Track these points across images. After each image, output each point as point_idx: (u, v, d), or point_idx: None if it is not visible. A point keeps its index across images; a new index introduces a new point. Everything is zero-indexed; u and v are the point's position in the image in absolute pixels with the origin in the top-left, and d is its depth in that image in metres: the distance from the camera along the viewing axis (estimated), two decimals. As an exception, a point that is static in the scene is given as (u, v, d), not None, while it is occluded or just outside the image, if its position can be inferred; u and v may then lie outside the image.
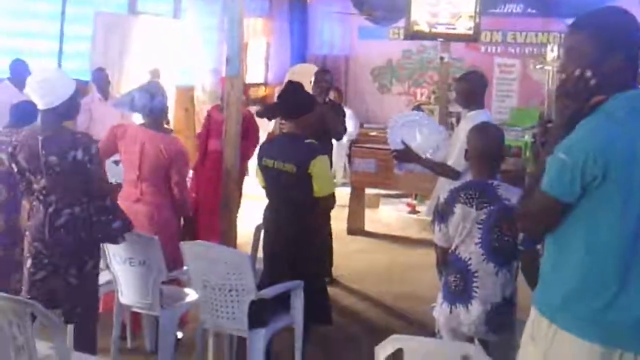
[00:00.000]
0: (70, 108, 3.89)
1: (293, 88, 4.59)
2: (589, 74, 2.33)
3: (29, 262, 3.90)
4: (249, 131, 6.17)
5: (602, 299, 2.29)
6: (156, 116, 4.73)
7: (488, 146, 3.70)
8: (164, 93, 4.81)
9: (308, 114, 4.44)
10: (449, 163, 4.97)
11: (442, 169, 5.04)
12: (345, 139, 10.54)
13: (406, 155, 5.17)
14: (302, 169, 4.25)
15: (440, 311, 3.65)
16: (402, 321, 5.69)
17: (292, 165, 4.28)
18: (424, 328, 4.91)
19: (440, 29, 9.02)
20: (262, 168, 4.49)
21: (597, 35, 2.36)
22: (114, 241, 4.10)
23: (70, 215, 3.81)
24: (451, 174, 4.91)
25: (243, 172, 6.42)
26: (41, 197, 3.83)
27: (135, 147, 4.65)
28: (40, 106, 3.82)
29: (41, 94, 3.79)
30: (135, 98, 4.68)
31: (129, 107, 4.76)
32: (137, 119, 5.07)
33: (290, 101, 4.49)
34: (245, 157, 6.00)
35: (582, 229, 2.32)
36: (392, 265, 7.05)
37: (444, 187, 4.80)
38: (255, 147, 5.09)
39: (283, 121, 4.96)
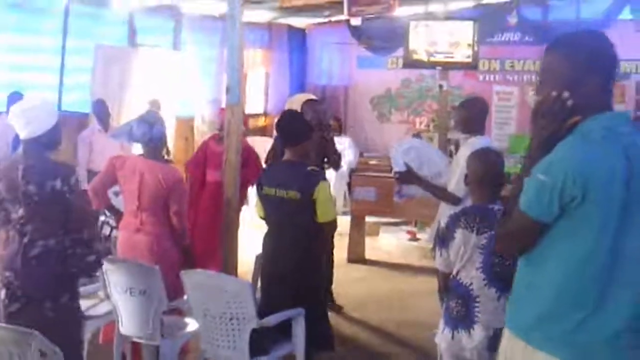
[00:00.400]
0: (52, 138, 3.82)
1: (291, 116, 4.64)
2: (566, 94, 2.35)
3: (2, 293, 3.80)
4: (248, 160, 6.19)
5: (574, 320, 2.29)
6: (155, 145, 4.74)
7: (488, 171, 3.70)
8: (162, 122, 4.82)
9: (307, 141, 4.48)
10: (449, 189, 4.98)
11: (443, 194, 5.05)
12: (345, 167, 10.59)
13: (409, 177, 5.19)
14: (306, 195, 4.28)
15: (442, 337, 3.63)
16: (405, 348, 5.65)
17: (295, 192, 4.30)
18: (427, 355, 4.87)
19: (439, 58, 9.08)
20: (262, 197, 4.50)
21: (574, 56, 2.38)
22: (87, 275, 4.03)
23: (44, 247, 3.72)
24: (452, 199, 4.91)
25: (242, 201, 6.43)
26: (18, 227, 3.75)
27: (134, 178, 4.66)
28: (22, 135, 3.77)
29: (23, 123, 3.75)
30: (133, 128, 4.69)
31: (128, 137, 4.77)
32: (137, 150, 5.08)
33: (289, 129, 4.51)
34: (244, 185, 6.01)
35: (559, 249, 2.33)
36: (393, 293, 7.02)
37: (444, 212, 4.81)
38: (256, 175, 5.12)
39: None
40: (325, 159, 6.37)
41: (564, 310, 2.31)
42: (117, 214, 4.98)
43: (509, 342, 2.46)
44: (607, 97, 2.41)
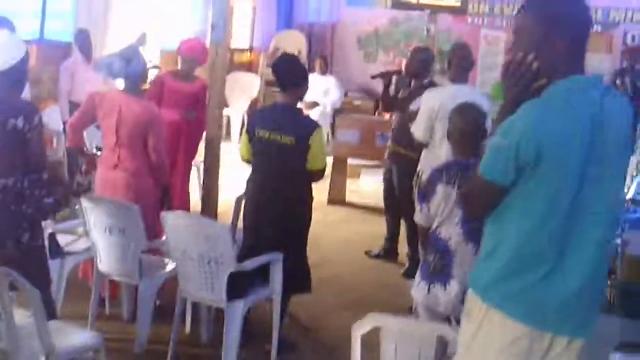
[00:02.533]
0: (19, 73, 3.72)
1: (290, 59, 4.66)
2: (531, 57, 2.32)
3: None
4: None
5: (530, 278, 2.31)
6: (133, 81, 4.73)
7: (470, 127, 3.71)
8: (141, 58, 4.78)
9: (304, 85, 4.46)
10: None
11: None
12: (329, 108, 10.54)
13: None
14: (302, 141, 4.27)
15: (418, 290, 3.68)
16: (382, 293, 5.71)
17: (291, 138, 4.28)
18: (403, 299, 4.90)
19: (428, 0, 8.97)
20: (254, 139, 4.44)
21: (541, 17, 2.35)
22: (45, 217, 3.97)
23: (3, 187, 3.64)
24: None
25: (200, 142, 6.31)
26: None
27: (113, 113, 4.63)
28: None
29: None
30: (112, 64, 4.67)
31: (108, 72, 4.74)
32: (120, 83, 5.05)
33: (287, 72, 4.46)
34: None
35: (518, 208, 2.34)
36: (373, 236, 7.06)
37: (426, 166, 4.85)
38: None
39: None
40: None
41: (521, 269, 2.33)
42: (87, 158, 4.97)
43: (469, 300, 2.49)
44: (576, 61, 2.36)
